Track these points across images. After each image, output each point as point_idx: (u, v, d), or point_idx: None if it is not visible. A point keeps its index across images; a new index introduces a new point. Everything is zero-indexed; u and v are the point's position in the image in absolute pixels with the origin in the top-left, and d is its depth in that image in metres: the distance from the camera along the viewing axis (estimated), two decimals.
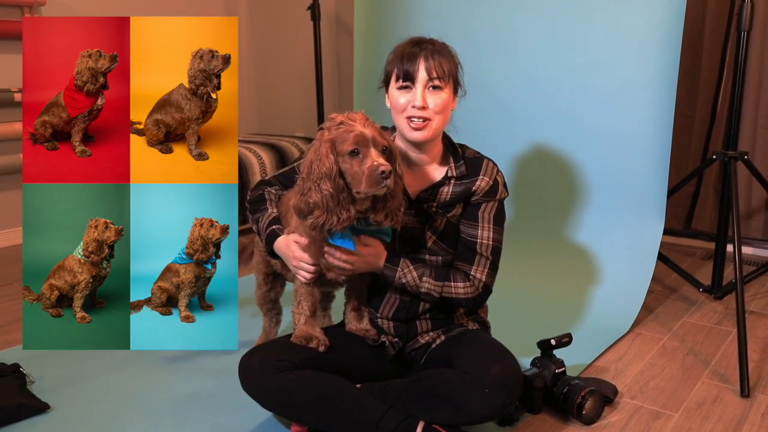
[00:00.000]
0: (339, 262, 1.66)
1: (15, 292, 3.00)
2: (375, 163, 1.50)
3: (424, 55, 1.66)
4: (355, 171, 1.53)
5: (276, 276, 2.12)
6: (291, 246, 1.71)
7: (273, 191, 1.88)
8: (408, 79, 1.67)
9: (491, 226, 1.76)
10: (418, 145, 1.73)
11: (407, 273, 1.71)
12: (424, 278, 1.71)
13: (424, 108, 1.66)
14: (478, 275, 1.74)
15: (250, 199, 1.89)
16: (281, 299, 2.21)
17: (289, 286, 2.12)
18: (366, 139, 1.53)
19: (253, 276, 2.21)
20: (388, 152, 1.58)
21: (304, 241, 1.68)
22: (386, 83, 1.74)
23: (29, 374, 2.05)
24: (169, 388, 2.03)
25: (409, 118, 1.68)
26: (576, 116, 2.79)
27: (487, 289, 1.76)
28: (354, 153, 1.53)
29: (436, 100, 1.67)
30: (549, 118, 2.86)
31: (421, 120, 1.67)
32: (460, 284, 1.73)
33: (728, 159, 2.63)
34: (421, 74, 1.66)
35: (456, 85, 1.74)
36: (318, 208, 1.55)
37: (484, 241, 1.75)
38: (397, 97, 1.69)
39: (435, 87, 1.67)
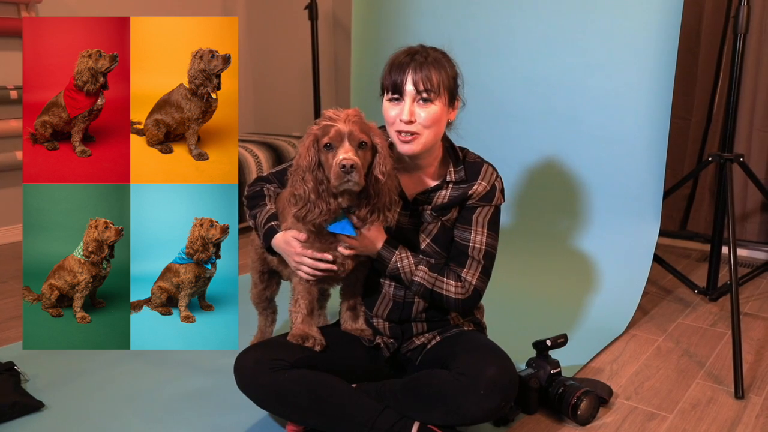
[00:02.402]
0: (343, 249, 1.67)
1: (10, 290, 3.00)
2: (340, 157, 1.51)
3: (413, 67, 1.63)
4: (329, 165, 1.55)
5: (271, 274, 2.12)
6: (291, 243, 1.70)
7: (271, 188, 1.89)
8: (396, 91, 1.65)
9: (485, 231, 1.75)
10: (411, 155, 1.73)
11: (404, 258, 1.70)
12: (420, 266, 1.70)
13: (411, 122, 1.64)
14: (468, 278, 1.73)
15: (248, 195, 1.89)
16: (276, 298, 2.22)
17: (284, 285, 2.12)
18: (341, 134, 1.53)
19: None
20: (368, 147, 1.57)
21: (303, 236, 1.68)
22: (382, 94, 1.73)
23: (23, 372, 2.06)
24: (165, 386, 2.04)
25: (398, 131, 1.66)
26: (572, 118, 2.80)
27: (477, 293, 1.74)
28: (328, 147, 1.55)
29: (425, 113, 1.64)
30: (545, 120, 2.88)
31: (409, 134, 1.65)
32: (452, 282, 1.72)
33: (724, 161, 2.64)
34: (408, 87, 1.63)
35: (452, 97, 1.70)
36: (301, 200, 1.58)
37: (476, 246, 1.74)
38: (388, 109, 1.68)
39: (425, 100, 1.63)
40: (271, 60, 5.17)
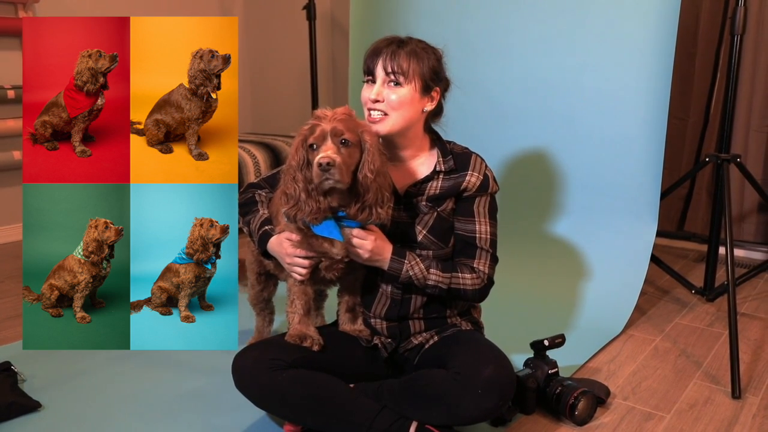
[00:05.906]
0: (357, 241, 1.65)
1: (8, 289, 3.00)
2: (320, 155, 1.53)
3: (387, 52, 1.70)
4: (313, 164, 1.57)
5: (268, 275, 2.13)
6: (283, 244, 1.72)
7: (263, 193, 1.90)
8: (370, 74, 1.73)
9: (487, 220, 1.79)
10: (393, 141, 1.76)
11: (414, 265, 1.71)
12: (432, 270, 1.71)
13: (377, 101, 1.70)
14: (481, 267, 1.76)
15: (241, 202, 1.92)
16: (274, 299, 2.23)
17: (281, 286, 2.13)
18: (324, 133, 1.56)
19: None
20: (352, 145, 1.58)
21: (296, 237, 1.69)
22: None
23: (20, 372, 2.05)
24: (163, 386, 2.04)
25: (369, 110, 1.72)
26: (570, 118, 2.81)
27: (490, 280, 1.79)
28: (312, 147, 1.58)
29: (391, 95, 1.69)
30: (543, 120, 2.88)
31: (378, 113, 1.70)
32: (468, 275, 1.74)
33: (721, 162, 2.65)
34: (379, 70, 1.70)
35: (426, 85, 1.72)
36: (292, 199, 1.61)
37: (482, 236, 1.77)
38: (363, 91, 1.75)
39: (395, 83, 1.70)
40: (268, 60, 5.17)
